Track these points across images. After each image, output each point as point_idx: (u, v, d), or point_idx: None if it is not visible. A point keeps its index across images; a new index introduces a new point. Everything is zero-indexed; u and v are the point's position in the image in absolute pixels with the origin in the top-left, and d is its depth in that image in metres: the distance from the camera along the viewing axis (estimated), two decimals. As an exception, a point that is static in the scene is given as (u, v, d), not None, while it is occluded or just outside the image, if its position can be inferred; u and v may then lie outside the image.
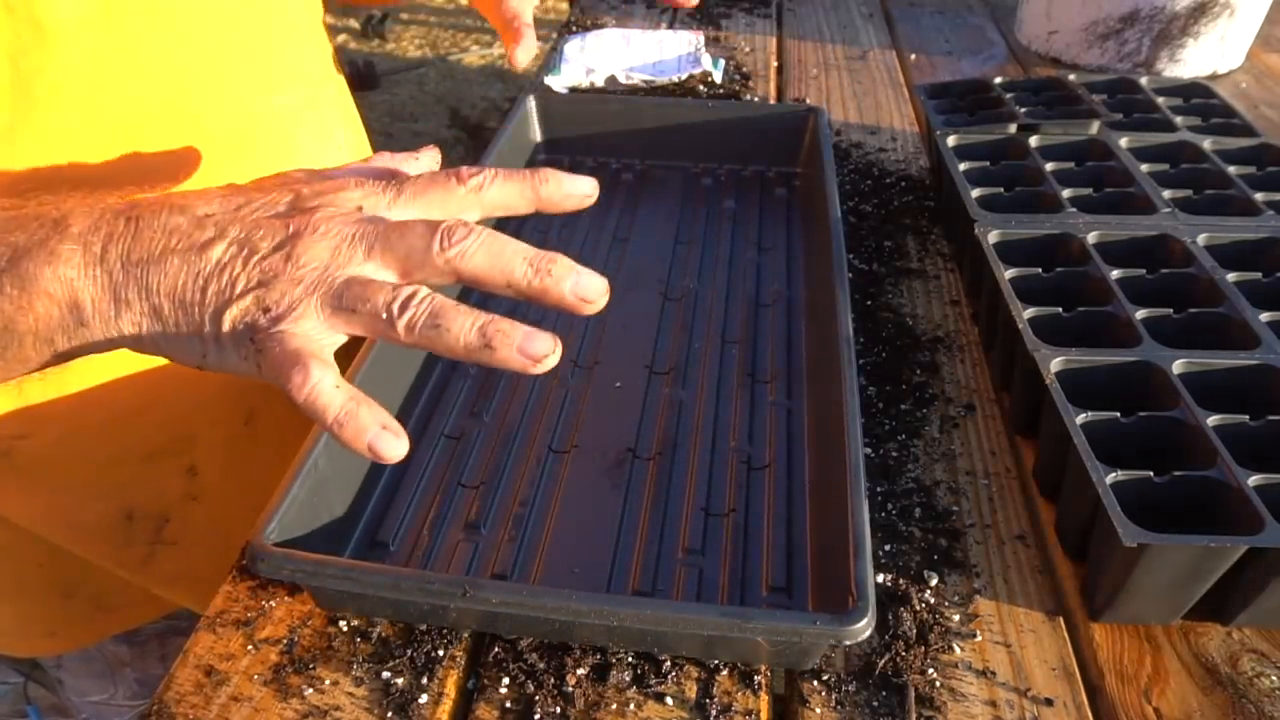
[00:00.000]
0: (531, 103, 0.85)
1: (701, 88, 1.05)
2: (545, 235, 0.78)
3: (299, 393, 0.32)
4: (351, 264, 0.34)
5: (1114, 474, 0.45)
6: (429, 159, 0.44)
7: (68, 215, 0.35)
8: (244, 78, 0.54)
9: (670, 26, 1.26)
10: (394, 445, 0.33)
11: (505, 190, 0.38)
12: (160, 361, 0.54)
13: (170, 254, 0.34)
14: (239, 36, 0.53)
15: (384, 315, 0.33)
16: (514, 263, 0.35)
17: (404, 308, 0.33)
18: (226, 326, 0.34)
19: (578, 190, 0.39)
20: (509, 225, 0.77)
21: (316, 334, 0.34)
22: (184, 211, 0.35)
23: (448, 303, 0.34)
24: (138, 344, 0.36)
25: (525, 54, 0.64)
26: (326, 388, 0.33)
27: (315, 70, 0.61)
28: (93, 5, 0.44)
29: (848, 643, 0.40)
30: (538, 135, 0.87)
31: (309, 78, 0.60)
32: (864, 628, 0.39)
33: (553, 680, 0.44)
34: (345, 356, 0.65)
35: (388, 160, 0.42)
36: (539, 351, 0.34)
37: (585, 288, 0.35)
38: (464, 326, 0.34)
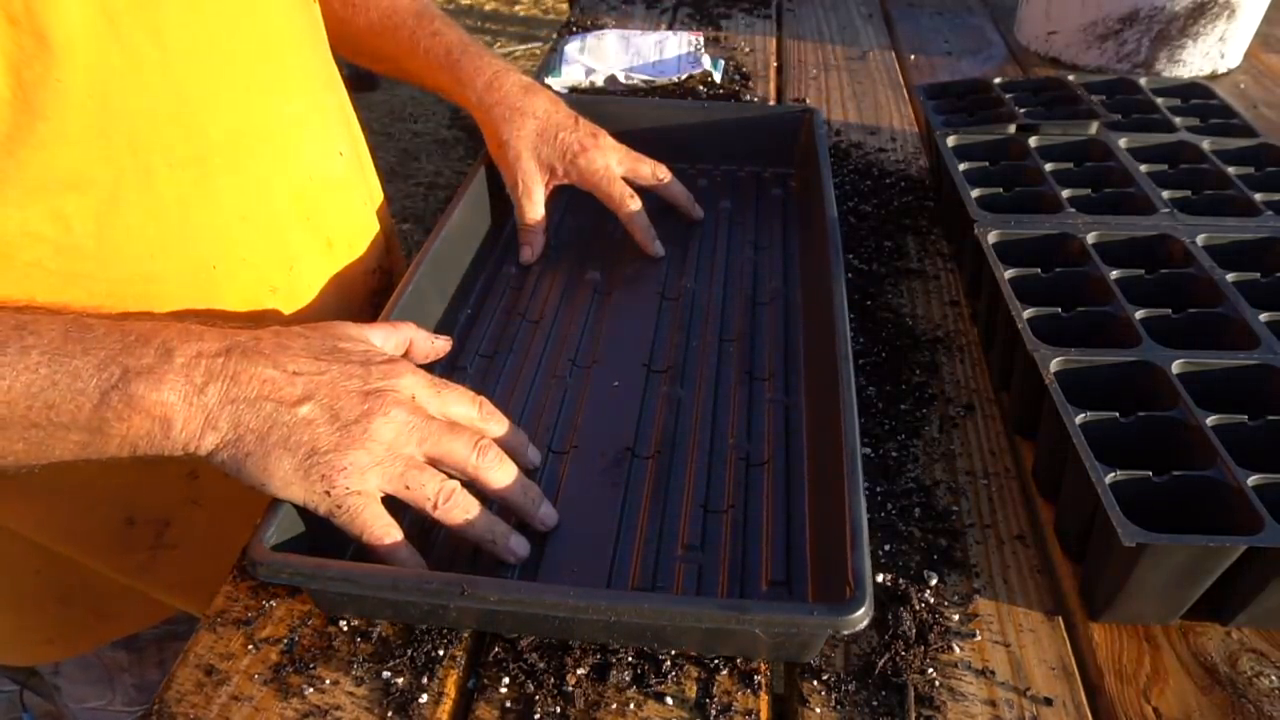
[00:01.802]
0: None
1: (701, 88, 1.05)
2: (545, 237, 0.77)
3: (380, 552, 0.45)
4: (407, 448, 0.45)
5: (1113, 474, 0.46)
6: (443, 343, 0.57)
7: (171, 345, 0.43)
8: (246, 88, 0.54)
9: (670, 27, 1.26)
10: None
11: (501, 437, 0.51)
12: None
13: (264, 400, 0.44)
14: (241, 47, 0.53)
15: (430, 501, 0.45)
16: (516, 489, 0.49)
17: (448, 501, 0.46)
18: (303, 471, 0.43)
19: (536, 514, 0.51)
20: (507, 220, 0.77)
21: (376, 494, 0.45)
22: (276, 365, 0.45)
23: (474, 502, 0.47)
24: (210, 458, 0.44)
25: (532, 256, 0.75)
26: (403, 557, 0.46)
27: (317, 79, 0.61)
28: (96, 17, 0.44)
29: (845, 633, 0.40)
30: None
31: (311, 86, 0.60)
32: (861, 617, 0.39)
33: (553, 680, 0.44)
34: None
35: (410, 331, 0.54)
36: (520, 553, 0.48)
37: (547, 519, 0.51)
38: (485, 525, 0.47)
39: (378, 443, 0.44)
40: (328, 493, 0.44)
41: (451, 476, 0.47)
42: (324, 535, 0.46)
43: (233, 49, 0.52)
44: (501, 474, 0.48)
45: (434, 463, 0.47)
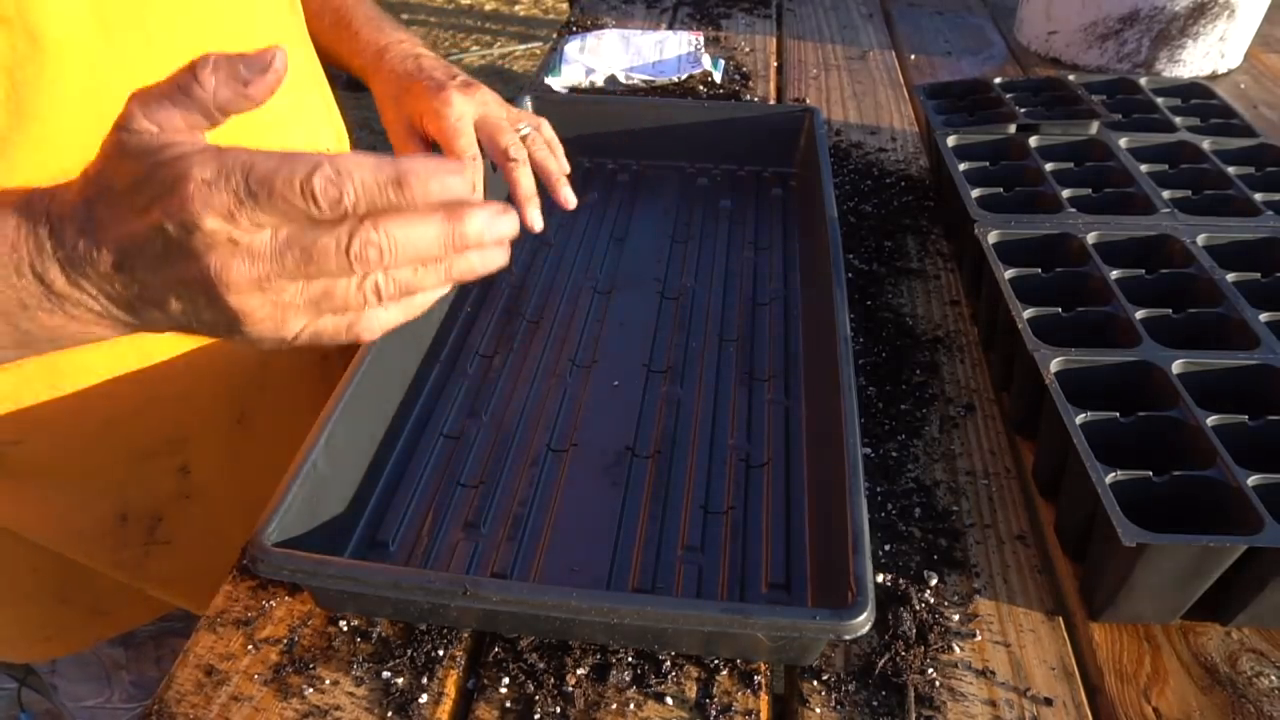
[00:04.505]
0: (528, 104, 0.85)
1: (701, 88, 1.05)
2: (541, 237, 0.77)
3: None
4: (302, 297, 0.34)
5: (1114, 474, 0.46)
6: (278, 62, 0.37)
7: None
8: None
9: (670, 27, 1.26)
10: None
11: (418, 239, 0.34)
12: (152, 362, 0.55)
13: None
14: (226, 44, 0.53)
15: (356, 301, 0.33)
16: (432, 237, 0.33)
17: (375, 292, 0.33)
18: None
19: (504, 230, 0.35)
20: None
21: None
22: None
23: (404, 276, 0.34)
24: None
25: (538, 221, 0.63)
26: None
27: (301, 77, 0.62)
28: (88, 17, 0.44)
29: (847, 637, 0.40)
30: (536, 135, 0.87)
31: (295, 84, 0.61)
32: (863, 622, 0.39)
33: (553, 680, 0.44)
34: (343, 354, 0.65)
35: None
36: (506, 230, 0.34)
37: (500, 229, 0.34)
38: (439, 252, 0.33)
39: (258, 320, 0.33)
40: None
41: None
42: (326, 532, 0.46)
43: (218, 46, 0.52)
44: (406, 250, 0.33)
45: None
